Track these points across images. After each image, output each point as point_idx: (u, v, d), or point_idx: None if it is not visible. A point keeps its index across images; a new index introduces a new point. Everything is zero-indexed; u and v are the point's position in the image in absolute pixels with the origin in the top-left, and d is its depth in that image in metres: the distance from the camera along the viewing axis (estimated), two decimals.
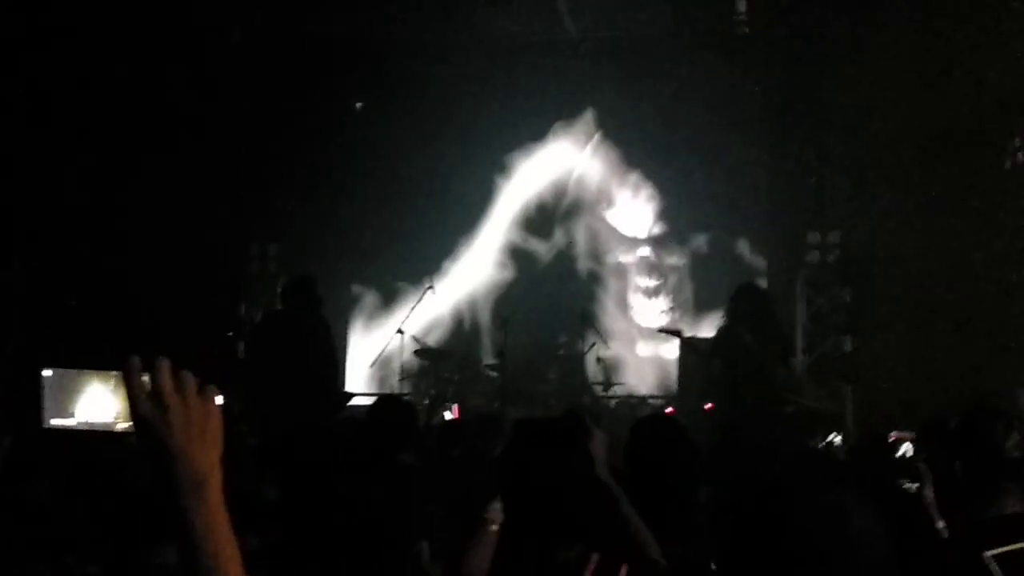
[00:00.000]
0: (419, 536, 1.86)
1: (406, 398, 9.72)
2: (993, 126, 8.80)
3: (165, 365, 1.27)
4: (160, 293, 9.14)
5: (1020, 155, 8.82)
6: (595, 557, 2.39)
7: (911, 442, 3.37)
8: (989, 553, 2.61)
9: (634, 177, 11.27)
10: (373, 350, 10.85)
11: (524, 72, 10.71)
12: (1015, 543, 2.65)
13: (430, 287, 10.60)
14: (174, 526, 1.23)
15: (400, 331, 10.02)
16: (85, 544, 2.49)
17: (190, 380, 1.29)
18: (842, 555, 1.43)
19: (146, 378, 1.27)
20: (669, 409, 9.15)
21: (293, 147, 10.64)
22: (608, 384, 10.04)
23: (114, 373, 1.31)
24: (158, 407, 1.26)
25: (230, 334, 9.89)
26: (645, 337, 11.03)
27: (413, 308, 10.31)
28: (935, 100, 9.02)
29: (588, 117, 11.27)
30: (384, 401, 5.24)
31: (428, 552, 1.97)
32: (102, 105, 9.51)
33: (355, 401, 9.35)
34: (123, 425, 1.30)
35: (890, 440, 3.36)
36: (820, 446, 5.80)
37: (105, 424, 1.32)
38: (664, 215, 11.27)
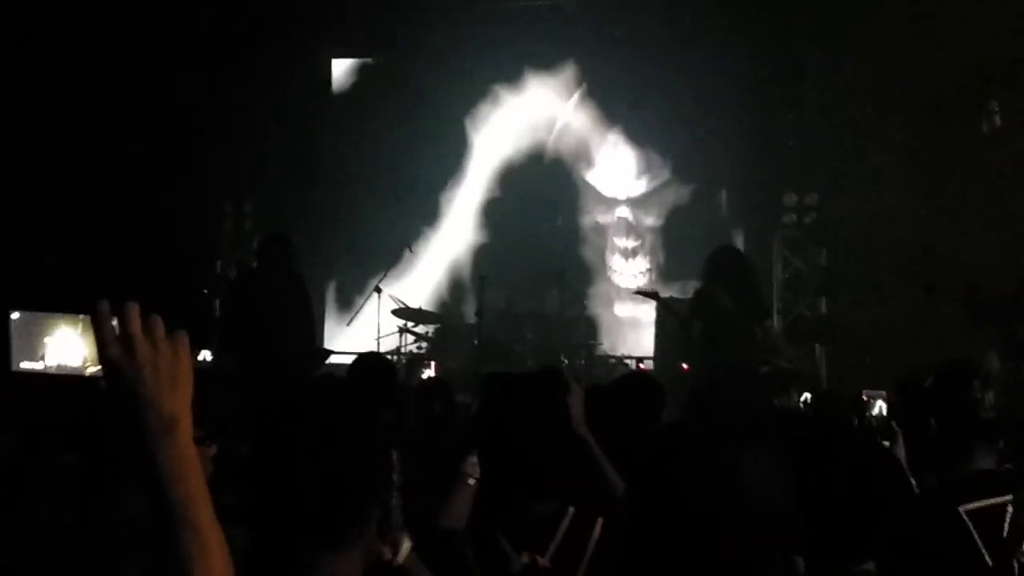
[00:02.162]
0: (390, 490, 1.84)
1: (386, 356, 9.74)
2: (971, 90, 8.82)
3: (134, 309, 1.25)
4: (134, 251, 9.07)
5: (997, 119, 8.84)
6: (571, 511, 2.40)
7: (883, 400, 3.39)
8: (963, 508, 2.64)
9: (613, 137, 11.23)
10: (350, 309, 10.82)
11: (503, 20, 10.61)
12: (987, 499, 2.68)
13: (408, 247, 10.56)
14: (143, 471, 1.22)
15: (378, 289, 10.00)
16: (57, 495, 2.47)
17: (159, 324, 1.26)
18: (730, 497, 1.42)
19: (115, 323, 1.24)
20: (643, 366, 9.20)
21: (269, 103, 10.52)
22: (585, 344, 10.06)
23: (82, 317, 1.29)
24: (127, 351, 1.24)
25: (205, 292, 9.83)
26: (623, 298, 11.06)
27: (390, 267, 10.29)
28: (914, 64, 9.02)
29: (569, 71, 11.20)
30: (364, 359, 5.23)
31: (399, 506, 1.96)
32: (78, 57, 9.39)
33: (333, 360, 9.36)
34: (92, 369, 1.28)
35: (863, 398, 3.39)
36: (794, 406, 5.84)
37: (74, 368, 1.29)
38: (643, 176, 11.25)
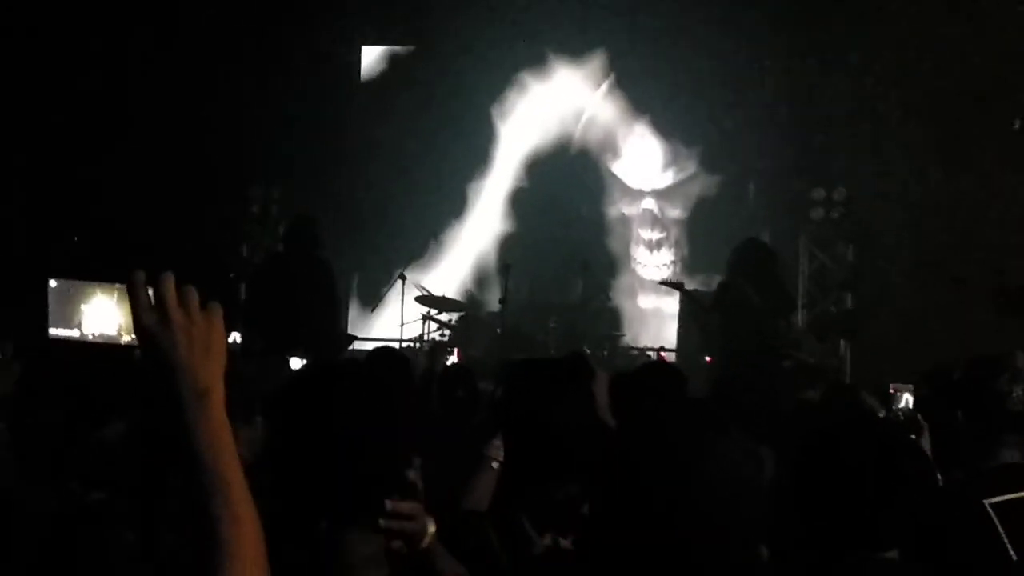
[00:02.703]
0: (409, 461, 1.86)
1: (406, 344, 9.79)
2: (1002, 86, 8.73)
3: (169, 279, 1.27)
4: (162, 234, 9.13)
5: None
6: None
7: (910, 394, 3.38)
8: (989, 501, 2.63)
9: (640, 128, 11.20)
10: (375, 296, 10.86)
11: (532, 7, 10.57)
12: (1014, 492, 2.66)
13: (433, 236, 10.58)
14: (176, 440, 1.23)
15: (402, 277, 10.02)
16: (89, 470, 2.49)
17: (194, 294, 1.28)
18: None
19: (150, 292, 1.26)
20: (664, 354, 9.18)
21: (299, 89, 10.56)
22: (609, 335, 10.05)
23: (118, 286, 1.30)
24: (161, 320, 1.25)
25: (232, 276, 9.89)
26: (647, 289, 11.03)
27: (415, 255, 10.34)
28: (944, 59, 8.95)
29: (598, 61, 11.17)
30: (378, 352, 5.28)
31: (421, 478, 1.97)
32: (116, 35, 9.47)
33: (357, 346, 9.40)
34: (127, 338, 1.30)
35: (890, 391, 3.38)
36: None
37: (109, 337, 1.31)
38: (669, 168, 11.21)
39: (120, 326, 1.28)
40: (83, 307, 1.28)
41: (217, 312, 1.29)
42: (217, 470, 1.23)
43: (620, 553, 1.39)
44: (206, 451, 1.23)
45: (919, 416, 3.02)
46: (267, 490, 1.31)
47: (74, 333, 1.28)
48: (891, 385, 3.21)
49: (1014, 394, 2.77)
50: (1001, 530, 2.62)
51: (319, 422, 1.78)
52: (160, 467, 1.72)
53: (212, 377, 1.26)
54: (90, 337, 1.29)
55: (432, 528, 1.95)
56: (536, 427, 2.39)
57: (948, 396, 2.83)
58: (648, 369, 3.58)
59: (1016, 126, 8.65)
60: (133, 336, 1.26)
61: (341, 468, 1.75)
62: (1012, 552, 2.62)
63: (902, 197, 9.25)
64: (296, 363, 5.61)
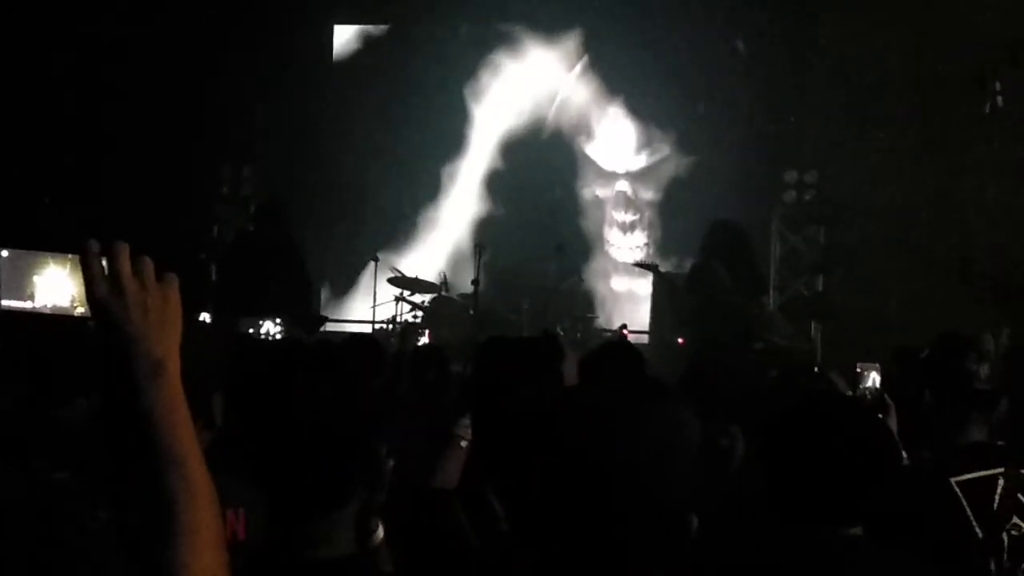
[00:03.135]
0: (379, 442, 1.85)
1: (378, 326, 9.75)
2: (973, 70, 8.78)
3: (123, 248, 1.23)
4: (131, 214, 9.04)
5: (999, 99, 8.81)
6: None
7: (876, 372, 3.40)
8: (955, 479, 2.65)
9: (614, 110, 11.18)
10: (347, 277, 10.80)
11: None
12: (979, 471, 2.69)
13: (405, 214, 10.53)
14: (130, 413, 1.20)
15: (375, 258, 9.98)
16: (53, 450, 2.46)
17: (149, 265, 1.25)
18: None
19: (104, 263, 1.23)
20: (625, 332, 9.18)
21: (271, 68, 10.46)
22: (582, 317, 10.05)
23: (71, 256, 1.27)
24: (115, 291, 1.22)
25: (202, 256, 9.81)
26: (620, 271, 11.04)
27: (389, 236, 10.28)
28: (916, 43, 8.98)
29: (572, 41, 11.14)
30: (353, 339, 5.27)
31: (389, 460, 1.96)
32: (84, 12, 9.34)
33: (329, 327, 9.36)
34: (80, 309, 1.27)
35: (856, 371, 3.39)
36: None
37: (62, 308, 1.28)
38: (643, 150, 11.21)
39: (73, 297, 1.25)
40: (35, 278, 1.25)
41: (173, 283, 1.27)
42: (173, 444, 1.21)
43: (553, 526, 1.39)
44: (161, 424, 1.21)
45: (885, 395, 3.05)
46: (221, 468, 1.28)
47: (26, 305, 1.25)
48: (858, 364, 3.23)
49: (981, 373, 2.79)
50: (967, 508, 2.64)
51: (281, 404, 1.76)
52: (122, 443, 1.69)
53: (167, 349, 1.23)
54: (43, 308, 1.25)
55: (381, 533, 1.94)
56: (504, 407, 2.38)
57: (916, 375, 2.85)
58: (606, 348, 3.58)
59: (987, 110, 8.72)
60: (87, 308, 1.23)
61: (303, 450, 1.73)
62: (978, 529, 2.65)
63: (874, 178, 9.29)
64: (270, 327, 5.60)
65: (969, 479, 2.68)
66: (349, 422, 1.77)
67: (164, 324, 1.24)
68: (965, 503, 2.66)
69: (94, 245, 1.23)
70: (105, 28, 9.60)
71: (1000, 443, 2.91)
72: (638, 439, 1.38)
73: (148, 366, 1.21)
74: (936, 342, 2.93)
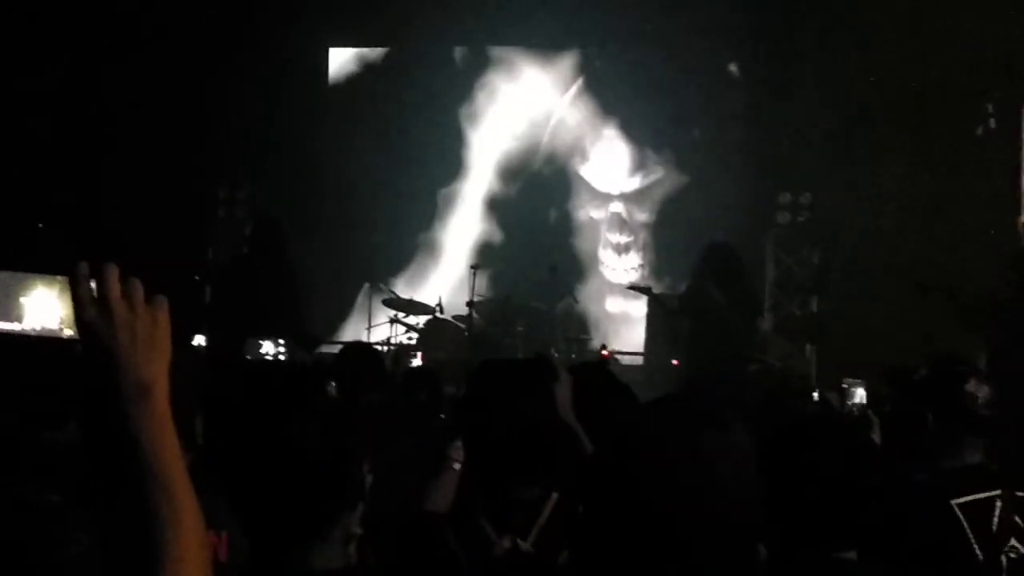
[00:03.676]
0: (360, 466, 1.82)
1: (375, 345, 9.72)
2: (965, 92, 8.83)
3: (113, 271, 1.23)
4: (125, 236, 9.03)
5: (992, 121, 8.85)
6: (554, 496, 2.39)
7: (863, 389, 3.41)
8: (956, 501, 2.65)
9: (609, 131, 11.22)
10: (342, 298, 10.79)
11: (502, 7, 10.53)
12: (978, 493, 2.69)
13: (401, 237, 10.53)
14: (117, 437, 1.20)
15: (370, 280, 9.99)
16: (43, 473, 2.44)
17: (138, 288, 1.24)
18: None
19: (93, 285, 1.22)
20: (604, 352, 9.17)
21: (267, 90, 10.48)
22: (576, 339, 10.05)
23: (60, 278, 1.27)
24: (103, 313, 1.21)
25: (197, 278, 9.79)
26: (614, 293, 11.05)
27: (384, 258, 10.28)
28: (909, 65, 9.03)
29: (567, 64, 11.19)
30: (351, 348, 5.26)
31: (369, 482, 1.94)
32: (81, 30, 9.36)
33: (324, 348, 9.33)
34: (68, 332, 1.26)
35: (843, 387, 3.40)
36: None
37: (50, 330, 1.27)
38: (637, 172, 11.24)
39: (62, 319, 1.24)
40: (23, 300, 1.24)
41: (162, 306, 1.26)
42: (159, 468, 1.20)
43: (618, 557, 1.35)
44: (148, 448, 1.20)
45: (870, 411, 3.06)
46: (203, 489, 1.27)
47: (14, 326, 1.24)
48: (844, 381, 3.24)
49: (981, 397, 2.79)
50: (968, 530, 2.64)
51: (263, 427, 1.74)
52: (108, 466, 1.67)
53: (155, 372, 1.23)
54: (31, 330, 1.25)
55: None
56: (496, 429, 2.37)
57: (915, 396, 2.84)
58: (581, 369, 3.58)
59: (980, 132, 8.76)
60: (75, 329, 1.23)
61: (286, 477, 1.71)
62: (979, 552, 2.64)
63: (868, 200, 9.32)
64: (270, 348, 5.57)
65: (968, 501, 2.68)
66: (333, 445, 1.75)
67: (152, 347, 1.23)
68: (966, 525, 2.65)
69: (83, 267, 1.22)
70: (101, 49, 9.62)
71: (994, 466, 2.91)
72: (705, 467, 1.34)
73: (135, 390, 1.21)
74: (936, 364, 2.93)
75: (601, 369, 3.62)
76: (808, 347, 9.94)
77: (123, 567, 1.19)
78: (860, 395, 3.07)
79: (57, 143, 9.46)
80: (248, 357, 5.21)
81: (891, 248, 9.11)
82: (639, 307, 10.26)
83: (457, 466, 2.71)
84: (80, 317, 1.21)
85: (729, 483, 1.36)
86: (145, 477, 1.19)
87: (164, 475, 1.20)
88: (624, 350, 10.29)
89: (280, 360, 5.00)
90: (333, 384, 4.18)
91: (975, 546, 2.64)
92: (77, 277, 1.21)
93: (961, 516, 2.66)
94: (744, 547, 1.37)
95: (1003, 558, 2.67)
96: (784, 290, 10.21)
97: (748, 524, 1.39)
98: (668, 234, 10.91)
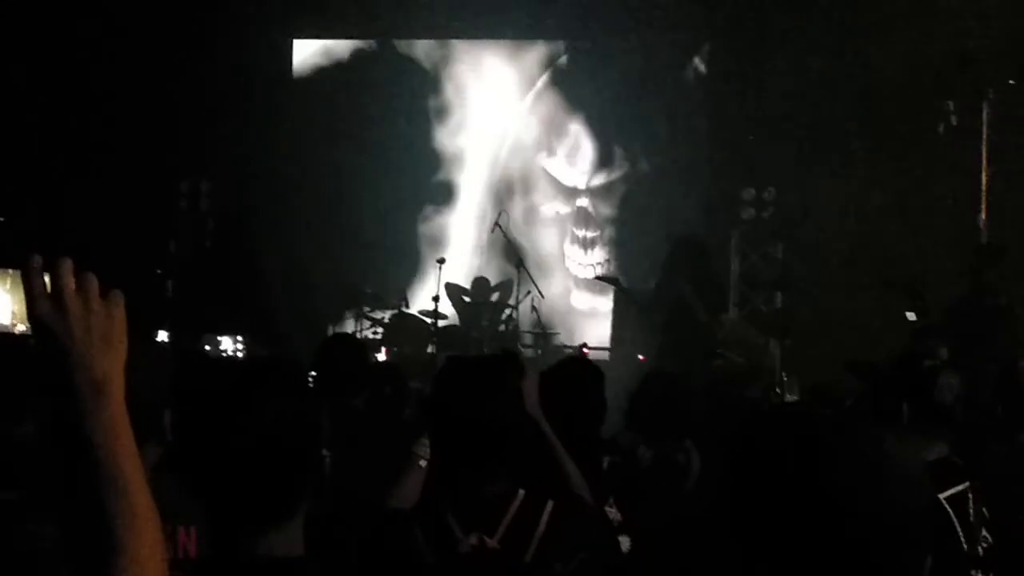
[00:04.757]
0: (322, 456, 1.80)
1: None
2: (927, 90, 8.91)
3: (67, 264, 1.19)
4: (87, 228, 8.91)
5: (953, 118, 8.94)
6: (521, 493, 2.37)
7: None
8: (942, 495, 2.66)
9: (575, 126, 11.22)
10: (306, 292, 10.70)
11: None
12: (954, 487, 2.71)
13: (364, 230, 10.47)
14: (71, 435, 1.16)
15: (334, 274, 9.93)
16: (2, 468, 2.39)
17: (92, 282, 1.21)
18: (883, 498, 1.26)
19: (47, 279, 1.19)
20: (585, 350, 9.20)
21: (229, 82, 10.37)
22: (542, 333, 10.06)
23: (11, 272, 1.23)
24: (57, 309, 1.18)
25: (159, 271, 9.69)
26: (580, 287, 11.06)
27: (348, 252, 10.22)
28: (872, 62, 9.11)
29: (535, 57, 11.17)
30: (333, 339, 5.16)
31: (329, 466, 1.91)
32: (37, 28, 9.22)
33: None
34: (21, 327, 1.22)
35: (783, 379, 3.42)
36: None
37: (2, 325, 1.23)
38: (603, 167, 11.25)
39: (14, 314, 1.20)
40: None
41: (118, 301, 1.23)
42: (113, 467, 1.17)
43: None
44: (103, 446, 1.17)
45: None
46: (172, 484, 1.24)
47: None
48: (783, 373, 3.27)
49: (953, 389, 2.81)
50: (956, 522, 2.66)
51: (229, 419, 1.71)
52: (64, 463, 1.64)
53: (110, 368, 1.19)
54: None
55: None
56: (463, 426, 2.35)
57: (889, 389, 2.84)
58: (565, 365, 3.57)
59: (941, 129, 8.84)
60: (28, 325, 1.19)
61: (246, 464, 1.68)
62: (964, 544, 2.67)
63: (831, 196, 9.38)
64: (229, 344, 5.52)
65: (952, 494, 2.70)
66: (297, 433, 1.73)
67: (108, 344, 1.20)
68: (954, 518, 2.68)
69: (36, 260, 1.19)
70: (61, 43, 9.48)
71: (957, 460, 2.93)
72: (886, 480, 1.26)
73: (90, 387, 1.17)
74: (904, 357, 2.94)
75: (588, 366, 3.62)
76: (772, 342, 10.00)
77: (77, 564, 1.16)
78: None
79: (14, 135, 9.31)
80: (207, 351, 5.15)
81: (854, 244, 9.19)
82: (605, 302, 10.28)
83: (423, 463, 2.69)
84: (33, 312, 1.18)
85: (907, 493, 1.29)
86: (99, 475, 1.16)
87: (118, 474, 1.17)
88: (591, 345, 10.30)
89: (245, 355, 4.94)
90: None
91: (962, 539, 2.67)
92: (30, 271, 1.18)
93: (950, 509, 2.68)
94: (916, 559, 1.30)
95: (979, 549, 2.70)
96: (749, 285, 10.27)
97: (920, 534, 1.32)
98: (633, 229, 10.93)
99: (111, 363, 1.19)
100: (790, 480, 1.27)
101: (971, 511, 2.71)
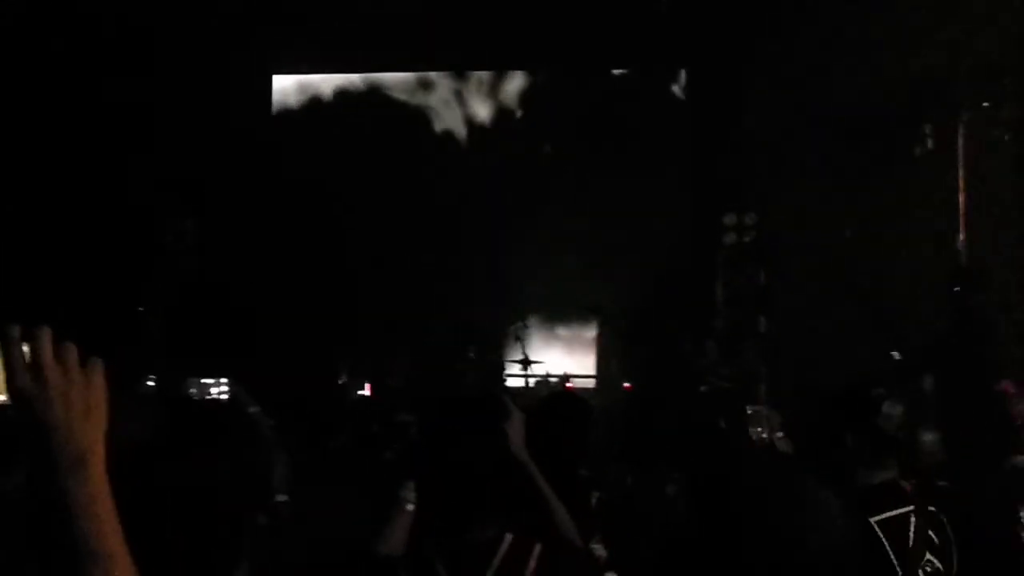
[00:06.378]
0: (259, 506, 1.77)
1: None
2: (905, 115, 8.99)
3: (46, 335, 1.19)
4: (70, 267, 8.86)
5: (929, 142, 9.02)
6: (508, 538, 2.36)
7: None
8: (874, 519, 2.70)
9: (553, 152, 11.27)
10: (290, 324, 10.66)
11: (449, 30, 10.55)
12: (893, 510, 2.74)
13: (348, 260, 10.44)
14: (53, 504, 1.15)
15: (318, 305, 9.89)
16: None
17: (72, 352, 1.20)
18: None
19: (26, 348, 1.18)
20: (568, 384, 9.19)
21: (210, 119, 10.37)
22: (526, 362, 10.04)
23: None
24: (37, 380, 1.17)
25: (141, 309, 9.62)
26: (565, 316, 11.04)
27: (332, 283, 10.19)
28: (850, 87, 9.19)
29: (513, 83, 11.23)
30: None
31: (268, 521, 1.88)
32: (19, 63, 9.21)
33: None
34: (1, 397, 1.21)
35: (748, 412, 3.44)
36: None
37: None
38: (585, 195, 11.28)
39: None
40: None
41: (97, 370, 1.22)
42: (94, 538, 1.16)
43: None
44: (83, 517, 1.16)
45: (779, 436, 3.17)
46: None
47: None
48: (748, 408, 3.31)
49: (895, 417, 2.85)
50: (888, 547, 2.69)
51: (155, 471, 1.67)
52: (45, 533, 1.61)
53: (91, 440, 1.18)
54: None
55: None
56: (450, 470, 2.34)
57: (835, 417, 2.91)
58: (552, 402, 3.58)
59: (918, 152, 8.91)
60: (5, 396, 1.18)
61: (180, 526, 1.64)
62: (898, 568, 2.69)
63: (812, 220, 9.44)
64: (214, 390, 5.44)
65: (886, 518, 2.73)
66: (228, 494, 1.69)
67: (88, 415, 1.19)
68: (885, 542, 2.70)
69: (14, 330, 1.18)
70: (44, 78, 9.46)
71: (905, 483, 2.96)
72: (808, 528, 1.41)
73: (71, 461, 1.17)
74: (851, 386, 3.00)
75: (575, 402, 3.62)
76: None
77: None
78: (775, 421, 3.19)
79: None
80: (193, 397, 5.10)
81: (837, 267, 9.23)
82: (590, 330, 10.28)
83: (410, 507, 2.67)
84: (13, 385, 1.17)
85: (830, 540, 1.45)
86: (79, 546, 1.15)
87: (98, 545, 1.16)
88: (576, 373, 10.29)
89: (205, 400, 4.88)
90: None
91: (895, 562, 2.69)
92: (8, 342, 1.17)
93: (880, 533, 2.70)
94: None
95: (920, 572, 2.72)
96: (733, 310, 10.29)
97: (838, 561, 1.46)
98: (619, 257, 10.94)
99: (91, 434, 1.19)
100: (732, 518, 1.50)
101: (911, 535, 2.73)
